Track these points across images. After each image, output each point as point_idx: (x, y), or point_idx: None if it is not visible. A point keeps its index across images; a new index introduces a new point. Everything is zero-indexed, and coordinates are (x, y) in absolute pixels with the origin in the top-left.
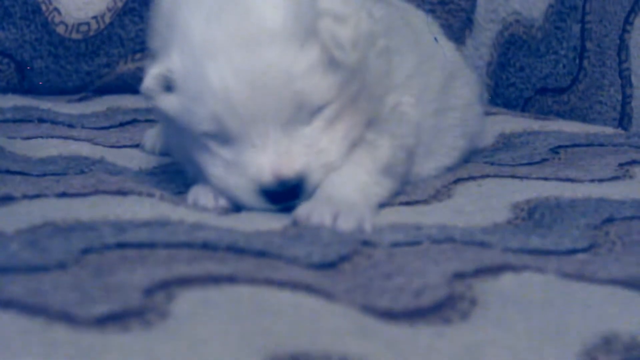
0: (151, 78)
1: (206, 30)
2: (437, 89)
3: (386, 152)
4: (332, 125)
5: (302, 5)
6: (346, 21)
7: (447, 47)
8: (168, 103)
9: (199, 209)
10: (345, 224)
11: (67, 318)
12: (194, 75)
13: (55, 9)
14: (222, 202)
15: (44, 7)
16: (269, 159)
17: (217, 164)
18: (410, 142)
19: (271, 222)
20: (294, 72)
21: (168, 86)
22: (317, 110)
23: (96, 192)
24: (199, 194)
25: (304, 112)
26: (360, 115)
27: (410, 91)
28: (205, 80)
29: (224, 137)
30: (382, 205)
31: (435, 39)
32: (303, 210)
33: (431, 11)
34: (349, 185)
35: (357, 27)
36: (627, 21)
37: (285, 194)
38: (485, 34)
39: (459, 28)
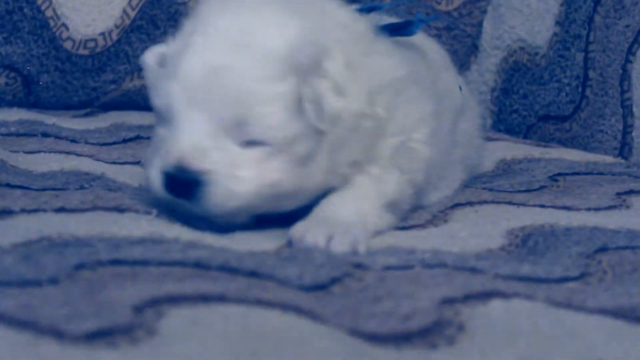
0: (151, 52)
1: (209, 25)
2: (447, 129)
3: (393, 188)
4: (265, 163)
5: (305, 53)
6: (342, 96)
7: (459, 81)
8: (153, 76)
9: None
10: (339, 246)
11: (55, 333)
12: (177, 55)
13: (63, 24)
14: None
15: (52, 23)
16: (183, 144)
17: (155, 141)
18: (418, 179)
19: (265, 243)
20: (256, 93)
21: (163, 64)
22: (259, 142)
23: (94, 208)
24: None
25: (244, 134)
26: (309, 168)
27: (421, 130)
28: (180, 61)
29: (169, 117)
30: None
31: (460, 88)
32: (297, 230)
33: (437, 36)
34: (347, 210)
35: (348, 108)
36: (630, 52)
37: (181, 186)
38: (490, 60)
39: (464, 54)
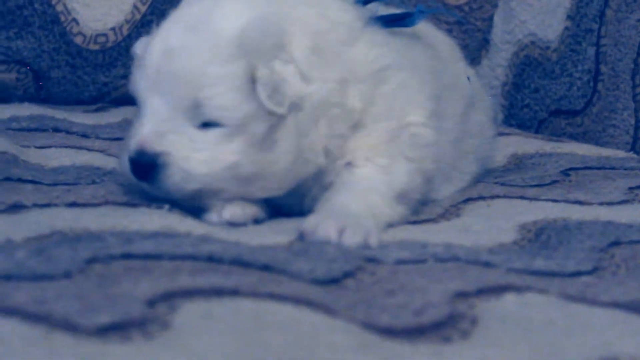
0: (141, 42)
1: (176, 13)
2: (457, 119)
3: (402, 178)
4: (222, 145)
5: (259, 36)
6: (306, 81)
7: (468, 72)
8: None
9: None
10: (351, 239)
11: (69, 327)
12: (149, 42)
13: (74, 19)
14: None
15: (62, 18)
16: (144, 129)
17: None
18: (428, 167)
19: (277, 237)
20: (206, 74)
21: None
22: (214, 123)
23: (106, 202)
24: None
25: (200, 116)
26: (272, 152)
27: (416, 113)
28: (149, 47)
29: (139, 103)
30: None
31: (468, 78)
32: (309, 223)
33: (448, 31)
34: (358, 203)
35: (311, 93)
36: None
37: (142, 169)
38: (501, 54)
39: (475, 48)
